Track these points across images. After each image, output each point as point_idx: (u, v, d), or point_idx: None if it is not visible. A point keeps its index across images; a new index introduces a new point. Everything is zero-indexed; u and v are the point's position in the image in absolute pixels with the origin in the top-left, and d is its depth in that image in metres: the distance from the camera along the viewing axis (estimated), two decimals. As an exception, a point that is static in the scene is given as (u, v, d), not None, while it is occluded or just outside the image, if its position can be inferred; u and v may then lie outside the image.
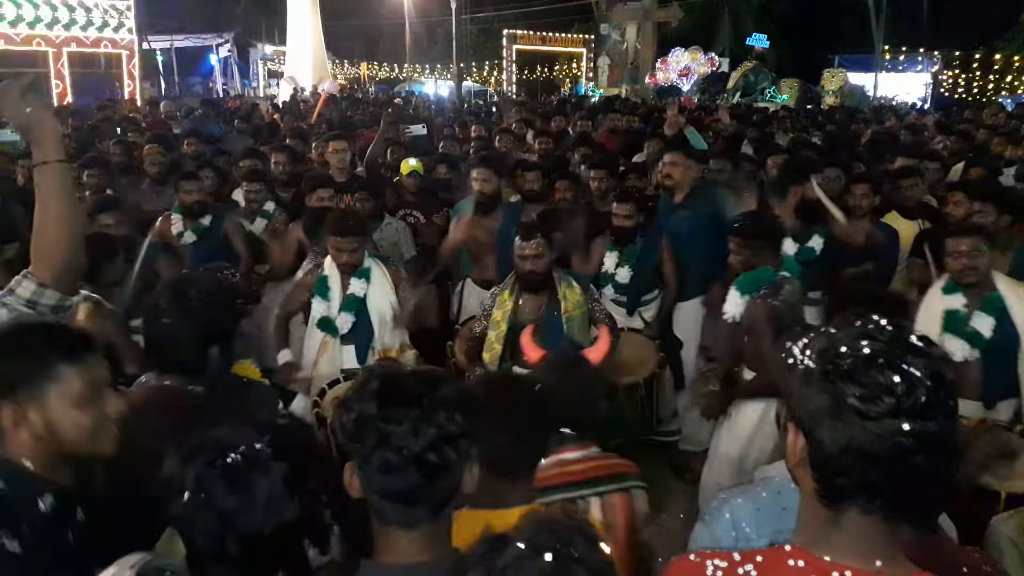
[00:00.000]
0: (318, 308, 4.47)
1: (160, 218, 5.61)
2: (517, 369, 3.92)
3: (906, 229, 5.39)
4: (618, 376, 4.44)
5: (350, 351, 4.46)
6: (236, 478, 1.48)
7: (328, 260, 4.51)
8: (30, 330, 1.87)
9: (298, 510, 1.50)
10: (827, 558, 1.25)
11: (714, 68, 28.52)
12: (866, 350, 1.18)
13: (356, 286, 4.43)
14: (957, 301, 3.92)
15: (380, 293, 4.44)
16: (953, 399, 1.18)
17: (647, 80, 26.26)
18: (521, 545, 1.23)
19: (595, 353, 3.11)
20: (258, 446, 1.52)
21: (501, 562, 1.22)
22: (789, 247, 4.97)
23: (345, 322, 4.43)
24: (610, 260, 5.18)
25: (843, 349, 1.20)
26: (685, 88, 26.68)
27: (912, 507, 1.23)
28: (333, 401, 3.66)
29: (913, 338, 1.20)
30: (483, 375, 2.46)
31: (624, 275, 5.14)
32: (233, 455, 1.49)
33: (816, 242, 5.04)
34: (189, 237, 5.57)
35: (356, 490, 1.51)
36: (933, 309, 3.98)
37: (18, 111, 2.10)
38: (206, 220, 5.62)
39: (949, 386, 1.18)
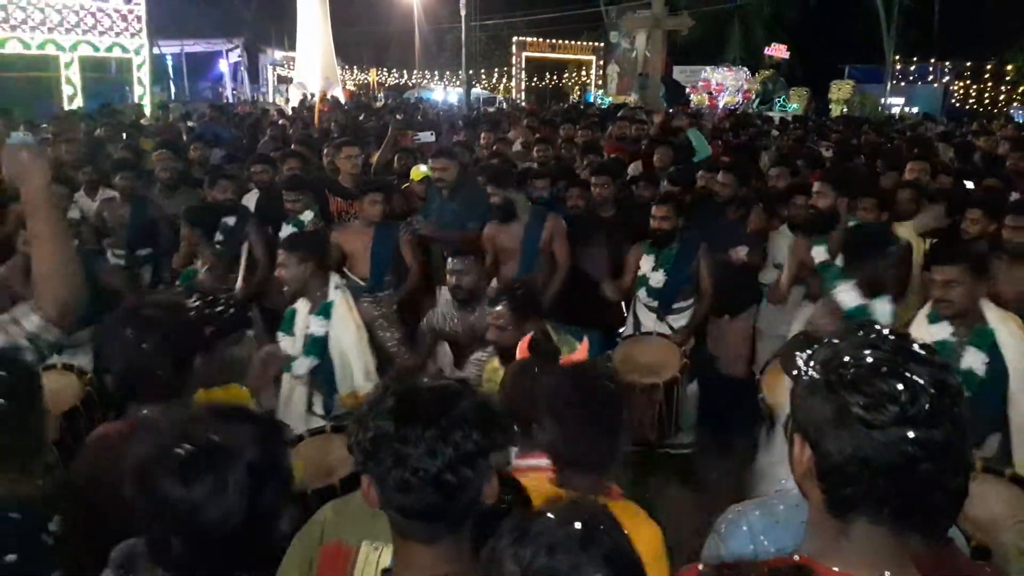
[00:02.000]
0: (284, 345, 3.99)
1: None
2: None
3: (920, 243, 5.35)
4: (638, 377, 4.39)
5: (318, 397, 4.03)
6: (183, 471, 1.41)
7: None
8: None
9: (247, 510, 1.43)
10: (836, 568, 1.25)
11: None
12: (869, 359, 1.19)
13: (315, 324, 3.94)
14: (943, 331, 3.69)
15: (344, 330, 3.90)
16: (959, 407, 1.18)
17: (706, 106, 26.42)
18: (552, 515, 1.29)
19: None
20: (215, 438, 1.45)
21: (534, 529, 1.27)
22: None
23: (302, 365, 3.94)
24: (646, 263, 5.16)
25: (846, 359, 1.21)
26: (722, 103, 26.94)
27: (921, 516, 1.22)
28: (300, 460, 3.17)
29: (915, 347, 1.21)
30: (569, 367, 2.40)
31: (658, 279, 5.11)
32: (184, 448, 1.42)
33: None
34: (215, 237, 5.55)
35: (374, 503, 1.49)
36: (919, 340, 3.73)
37: (14, 160, 2.16)
38: (231, 220, 5.62)
39: (954, 394, 1.17)
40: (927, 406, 1.14)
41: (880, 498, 1.20)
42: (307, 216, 5.77)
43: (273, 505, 1.47)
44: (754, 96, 27.99)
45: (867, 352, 1.20)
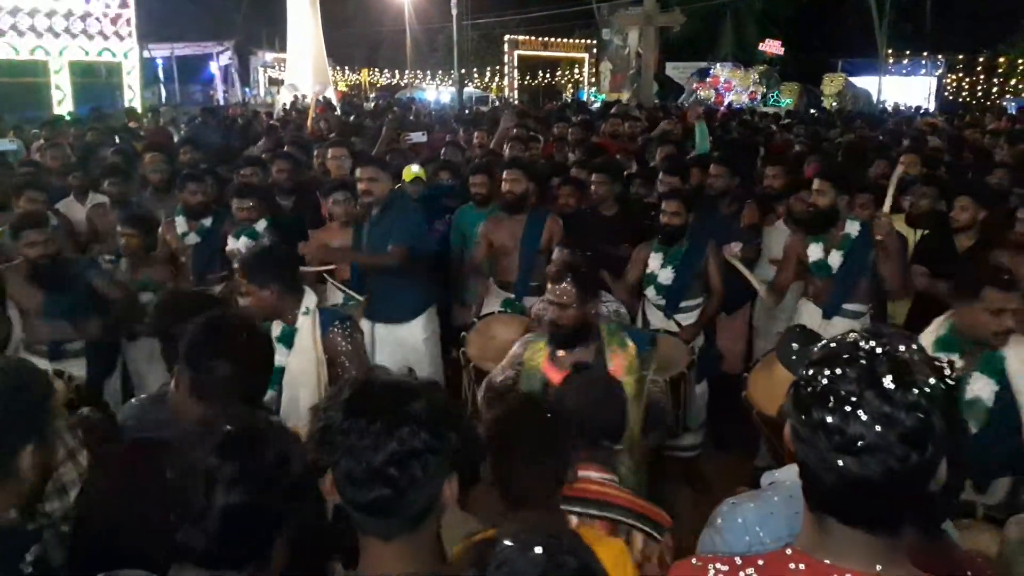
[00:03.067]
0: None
1: (163, 224, 5.63)
2: None
3: (911, 233, 5.35)
4: None
5: None
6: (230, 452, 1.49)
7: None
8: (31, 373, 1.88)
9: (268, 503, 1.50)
10: (827, 561, 1.28)
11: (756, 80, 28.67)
12: (824, 381, 1.21)
13: (276, 352, 3.40)
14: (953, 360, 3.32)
15: (301, 363, 3.55)
16: (917, 446, 1.16)
17: (713, 102, 26.30)
18: (510, 543, 1.27)
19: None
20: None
21: (495, 560, 1.25)
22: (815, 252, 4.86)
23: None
24: (655, 260, 5.06)
25: (810, 372, 1.24)
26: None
27: (887, 525, 1.24)
28: None
29: (887, 380, 1.17)
30: (500, 401, 2.48)
31: (667, 276, 5.03)
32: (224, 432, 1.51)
33: (834, 258, 4.80)
34: (192, 239, 5.58)
35: (334, 496, 1.51)
36: None
37: None
38: (207, 221, 5.61)
39: (910, 431, 1.15)
40: (860, 442, 1.15)
41: (838, 506, 1.24)
42: (261, 226, 5.45)
43: (290, 498, 1.53)
44: (759, 97, 27.83)
45: (828, 372, 1.21)
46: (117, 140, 10.31)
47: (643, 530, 2.37)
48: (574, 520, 2.34)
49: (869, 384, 1.17)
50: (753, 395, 3.61)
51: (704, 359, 4.78)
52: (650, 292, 5.12)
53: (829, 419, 1.17)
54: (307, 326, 3.56)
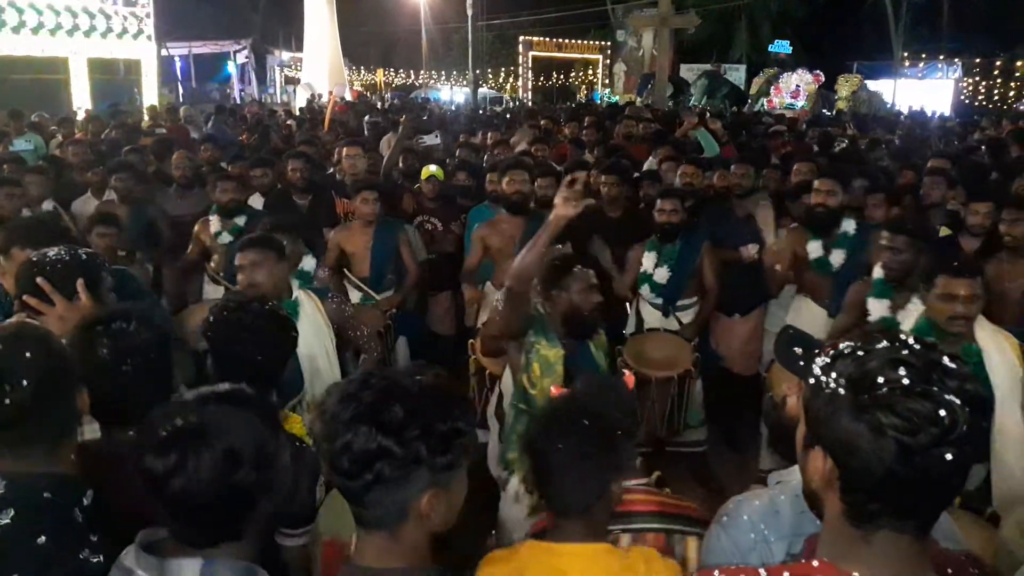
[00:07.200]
0: None
1: (199, 223, 5.64)
2: None
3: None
4: (651, 371, 4.41)
5: None
6: (160, 445, 1.52)
7: None
8: None
9: (221, 487, 1.52)
10: (856, 574, 1.24)
11: (820, 83, 28.17)
12: (905, 380, 1.14)
13: None
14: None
15: (312, 332, 3.59)
16: (987, 419, 1.16)
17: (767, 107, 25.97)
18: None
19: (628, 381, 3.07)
20: (194, 419, 1.55)
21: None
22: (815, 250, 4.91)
23: None
24: (648, 260, 5.14)
25: (880, 380, 1.16)
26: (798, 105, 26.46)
27: (934, 519, 1.24)
28: None
29: (946, 360, 1.16)
30: (550, 407, 2.31)
31: (662, 275, 5.09)
32: (172, 423, 1.53)
33: (836, 256, 4.88)
34: (225, 238, 5.53)
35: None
36: None
37: None
38: (240, 220, 5.55)
39: (984, 406, 1.16)
40: (966, 427, 1.12)
41: (907, 511, 1.20)
42: (240, 220, 5.51)
43: (250, 486, 1.54)
44: (803, 100, 27.39)
45: (900, 371, 1.15)
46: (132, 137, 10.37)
47: (695, 533, 2.31)
48: (626, 538, 2.24)
49: (941, 372, 1.14)
50: (780, 394, 3.63)
51: (701, 357, 4.84)
52: (644, 291, 5.18)
53: (943, 413, 1.11)
54: (304, 296, 3.68)
